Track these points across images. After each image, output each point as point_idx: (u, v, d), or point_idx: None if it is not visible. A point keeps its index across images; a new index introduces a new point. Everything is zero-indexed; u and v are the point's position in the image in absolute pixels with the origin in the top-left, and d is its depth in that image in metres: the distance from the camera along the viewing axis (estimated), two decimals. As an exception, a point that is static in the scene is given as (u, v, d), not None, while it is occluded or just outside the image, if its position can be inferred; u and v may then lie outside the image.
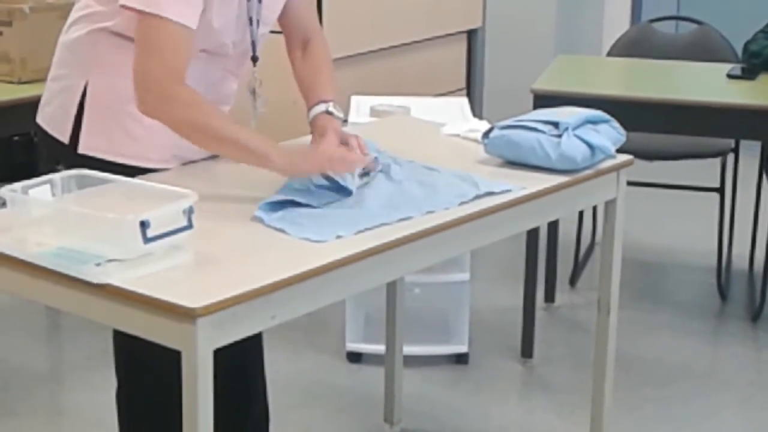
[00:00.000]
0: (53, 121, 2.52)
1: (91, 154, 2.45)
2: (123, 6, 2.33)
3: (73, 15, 2.53)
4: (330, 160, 2.37)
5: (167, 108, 2.32)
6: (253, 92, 2.64)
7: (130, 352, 2.57)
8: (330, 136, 2.48)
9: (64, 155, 2.51)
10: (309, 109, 2.60)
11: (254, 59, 2.58)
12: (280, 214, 2.25)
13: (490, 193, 2.44)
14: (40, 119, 2.56)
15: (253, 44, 2.55)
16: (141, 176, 2.36)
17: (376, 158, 2.51)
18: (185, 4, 2.31)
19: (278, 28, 2.72)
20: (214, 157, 2.56)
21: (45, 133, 2.55)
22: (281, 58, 2.71)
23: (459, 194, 2.41)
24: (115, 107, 2.43)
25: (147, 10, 2.29)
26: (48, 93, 2.55)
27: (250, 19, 2.51)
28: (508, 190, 2.46)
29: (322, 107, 2.58)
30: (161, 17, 2.28)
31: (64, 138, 2.49)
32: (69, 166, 2.38)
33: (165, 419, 2.53)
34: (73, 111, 2.46)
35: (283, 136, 2.79)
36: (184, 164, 2.54)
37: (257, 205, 2.28)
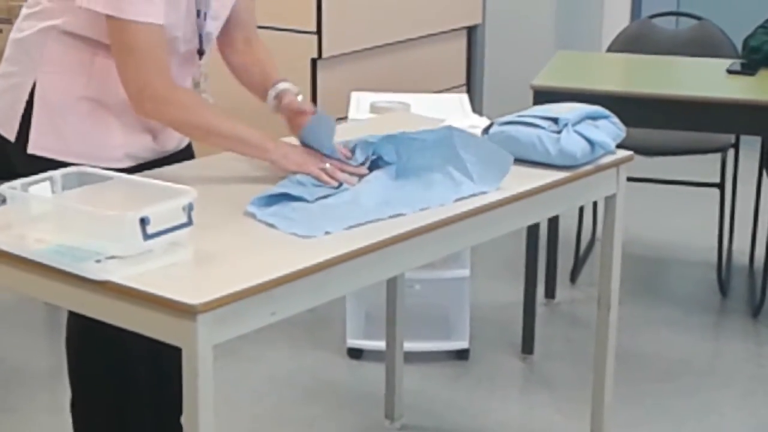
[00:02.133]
0: (0, 118, 2.50)
1: (40, 154, 2.43)
2: (82, 7, 2.32)
3: (24, 11, 2.51)
4: (321, 167, 2.39)
5: (165, 110, 2.36)
6: (197, 86, 2.58)
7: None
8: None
9: (14, 154, 2.48)
10: (272, 85, 2.60)
11: (200, 52, 2.55)
12: (272, 209, 2.25)
13: (484, 192, 2.43)
14: None
15: (200, 37, 2.52)
16: (141, 173, 2.37)
17: (367, 158, 2.49)
18: (151, 3, 2.30)
19: (272, 24, 2.70)
20: (172, 158, 2.56)
21: None
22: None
23: (455, 190, 2.40)
24: (64, 106, 2.42)
25: (119, 15, 2.29)
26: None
27: (198, 12, 2.48)
28: (498, 189, 2.45)
29: (289, 85, 2.59)
30: (134, 21, 2.28)
31: (11, 136, 2.48)
32: (19, 166, 2.40)
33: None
34: (21, 109, 2.45)
35: (283, 132, 2.79)
36: (144, 164, 2.51)
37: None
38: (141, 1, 2.28)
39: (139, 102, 2.35)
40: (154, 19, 2.30)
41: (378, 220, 2.25)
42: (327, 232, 2.17)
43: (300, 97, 2.61)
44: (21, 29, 2.49)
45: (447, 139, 2.47)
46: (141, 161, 2.51)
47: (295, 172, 2.40)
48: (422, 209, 2.32)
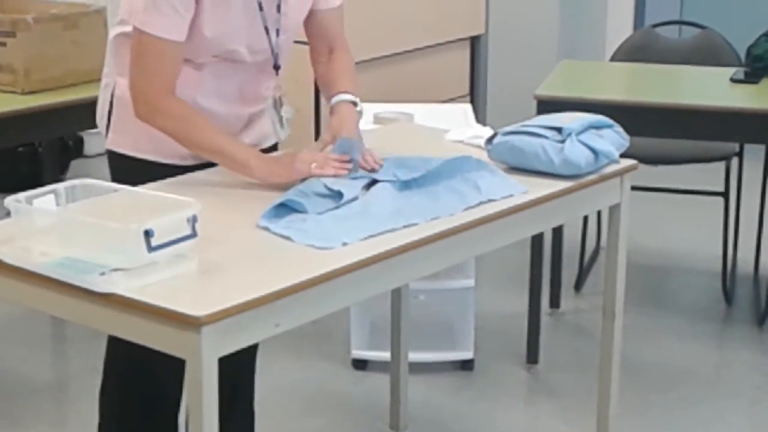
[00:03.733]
0: (98, 115, 2.68)
1: (115, 149, 2.62)
2: None
3: (119, 14, 2.62)
4: (308, 166, 2.42)
5: (154, 119, 2.47)
6: (275, 102, 2.67)
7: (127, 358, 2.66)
8: (327, 134, 2.56)
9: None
10: (329, 99, 2.65)
11: (276, 68, 2.63)
12: (285, 221, 2.25)
13: (492, 200, 2.44)
14: (97, 112, 2.69)
15: (274, 53, 2.59)
16: (145, 186, 2.38)
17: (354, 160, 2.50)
18: (169, 18, 2.41)
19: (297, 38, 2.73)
20: None
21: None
22: (286, 66, 2.71)
23: (462, 201, 2.41)
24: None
25: (137, 26, 2.44)
26: (101, 87, 2.68)
27: (266, 29, 2.55)
28: (510, 195, 2.46)
29: (346, 96, 2.63)
30: (148, 33, 2.42)
31: (104, 131, 2.66)
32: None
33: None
34: (107, 108, 2.62)
35: (286, 144, 2.80)
36: (209, 163, 2.58)
37: (262, 212, 2.28)
38: (157, 17, 2.40)
39: (135, 105, 2.48)
40: (170, 35, 2.41)
41: (393, 230, 2.25)
42: (344, 243, 2.17)
43: (359, 108, 2.65)
44: (112, 31, 2.64)
45: (456, 162, 2.49)
46: (205, 160, 2.57)
47: (288, 184, 2.42)
48: (433, 218, 2.32)
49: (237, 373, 2.75)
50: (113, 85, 2.60)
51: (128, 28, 2.52)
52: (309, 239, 2.18)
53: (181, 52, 2.45)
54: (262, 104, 2.67)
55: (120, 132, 2.60)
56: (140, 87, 2.45)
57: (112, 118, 2.61)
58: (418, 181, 2.44)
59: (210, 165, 2.58)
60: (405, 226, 2.27)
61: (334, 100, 2.64)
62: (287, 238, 2.19)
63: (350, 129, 2.57)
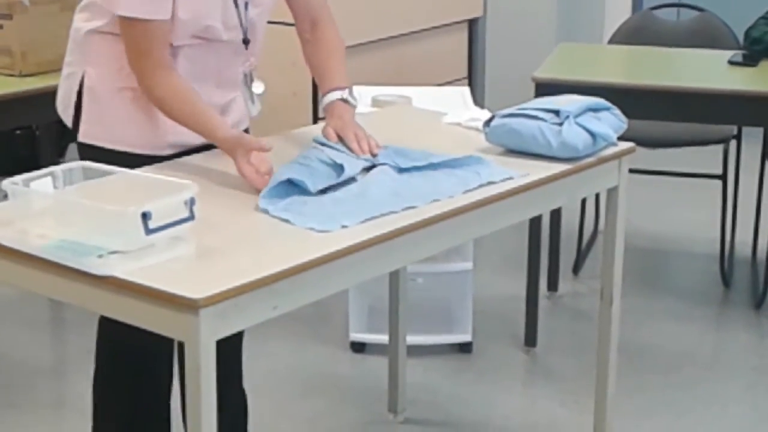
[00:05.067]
0: (62, 105, 2.64)
1: (89, 142, 2.56)
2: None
3: (80, 3, 2.60)
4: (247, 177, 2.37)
5: (151, 96, 2.46)
6: (245, 77, 2.65)
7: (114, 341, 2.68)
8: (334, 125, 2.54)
9: (73, 139, 2.61)
10: (323, 95, 2.62)
11: (245, 42, 2.59)
12: (284, 203, 2.25)
13: (492, 183, 2.44)
14: (57, 101, 2.67)
15: (243, 27, 2.56)
16: (143, 168, 2.38)
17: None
18: (149, 0, 2.39)
19: (282, 20, 2.71)
20: (212, 146, 2.58)
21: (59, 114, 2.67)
22: (281, 50, 2.70)
23: (462, 183, 2.40)
24: (108, 97, 2.53)
25: (122, 13, 2.42)
26: (61, 76, 2.65)
27: (236, 2, 2.52)
28: (509, 178, 2.46)
29: (337, 94, 2.60)
30: (129, 17, 2.41)
31: (69, 122, 2.61)
32: (78, 151, 2.56)
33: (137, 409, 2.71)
34: (74, 98, 2.57)
35: (284, 127, 2.79)
36: (186, 151, 2.56)
37: (259, 196, 2.28)
38: (138, 0, 2.39)
39: (139, 85, 2.47)
40: (150, 15, 2.40)
41: (392, 212, 2.25)
42: (344, 226, 2.17)
43: (354, 102, 2.61)
44: (75, 22, 2.60)
45: (458, 158, 2.50)
46: (185, 149, 2.57)
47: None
48: (433, 201, 2.32)
49: (228, 353, 2.75)
50: (81, 74, 2.56)
51: (99, 23, 2.51)
52: (308, 222, 2.17)
53: (167, 30, 2.44)
54: (238, 90, 2.65)
55: (93, 123, 2.55)
56: (136, 68, 2.45)
57: (83, 110, 2.56)
58: (417, 166, 2.44)
59: (187, 155, 2.56)
60: (404, 209, 2.27)
61: (328, 99, 2.61)
62: (286, 221, 2.19)
63: (350, 129, 2.54)
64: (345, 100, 2.60)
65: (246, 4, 2.55)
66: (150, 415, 2.78)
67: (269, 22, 2.70)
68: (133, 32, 2.42)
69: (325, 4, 2.73)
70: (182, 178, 2.15)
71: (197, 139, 2.54)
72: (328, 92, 2.62)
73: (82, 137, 2.57)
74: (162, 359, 2.71)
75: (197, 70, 2.52)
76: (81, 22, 2.57)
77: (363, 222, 2.20)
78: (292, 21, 2.69)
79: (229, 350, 2.84)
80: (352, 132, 2.52)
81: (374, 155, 2.46)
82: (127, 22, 2.42)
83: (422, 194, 2.33)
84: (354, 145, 2.48)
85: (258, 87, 2.66)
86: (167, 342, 2.62)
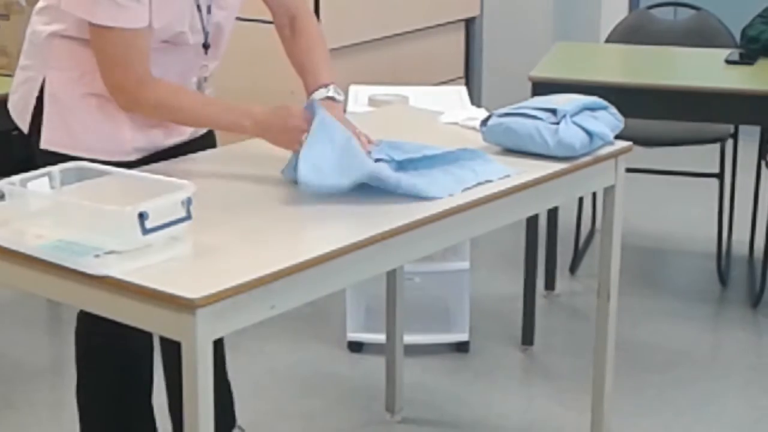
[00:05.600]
0: (16, 110, 2.57)
1: (52, 149, 2.48)
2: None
3: (37, 5, 2.53)
4: (299, 136, 2.37)
5: (139, 109, 2.42)
6: (199, 81, 2.60)
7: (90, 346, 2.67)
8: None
9: (34, 147, 2.53)
10: (309, 94, 2.57)
11: (205, 47, 2.55)
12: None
13: (489, 181, 2.44)
14: (10, 105, 2.60)
15: (204, 31, 2.52)
16: (139, 168, 2.37)
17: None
18: (130, 9, 2.33)
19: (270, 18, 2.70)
20: (189, 145, 2.57)
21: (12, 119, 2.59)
22: (279, 49, 2.69)
23: (459, 182, 2.40)
24: (72, 103, 2.47)
25: (92, 20, 2.34)
26: (16, 80, 2.58)
27: (198, 6, 2.48)
28: (507, 176, 2.47)
29: (322, 92, 2.55)
30: (111, 28, 2.33)
31: (24, 127, 2.55)
32: (37, 158, 2.47)
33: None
34: (32, 103, 2.50)
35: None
36: (154, 154, 2.53)
37: (257, 195, 2.28)
38: (112, 7, 2.32)
39: (116, 99, 2.42)
40: (123, 23, 2.34)
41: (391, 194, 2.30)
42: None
43: (340, 97, 2.57)
44: (33, 24, 2.53)
45: (453, 152, 2.50)
46: (151, 152, 2.53)
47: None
48: (433, 198, 2.32)
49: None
50: (41, 80, 2.48)
51: (60, 26, 2.44)
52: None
53: (148, 36, 2.38)
54: (204, 91, 2.61)
55: (55, 130, 2.48)
56: (115, 81, 2.38)
57: (45, 116, 2.48)
58: (413, 162, 2.44)
59: (157, 155, 2.52)
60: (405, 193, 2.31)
61: (314, 97, 2.54)
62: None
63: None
64: (331, 98, 2.55)
65: (209, 8, 2.50)
66: (136, 414, 2.76)
67: (265, 21, 2.69)
68: (109, 43, 2.35)
69: (299, 1, 2.68)
70: (178, 177, 2.14)
71: (165, 140, 2.53)
72: (314, 91, 2.56)
73: (45, 144, 2.49)
74: (143, 356, 2.69)
75: (159, 71, 2.43)
76: (40, 25, 2.49)
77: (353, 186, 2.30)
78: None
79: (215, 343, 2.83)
80: None
81: (368, 152, 2.46)
82: (102, 32, 2.35)
83: (420, 192, 2.33)
84: None
85: (209, 93, 2.63)
86: (147, 339, 2.62)
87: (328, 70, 2.60)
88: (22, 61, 2.57)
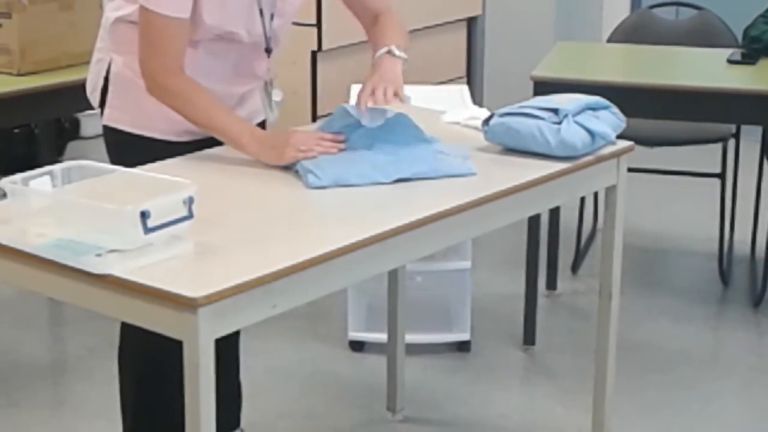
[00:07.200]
0: (90, 87, 2.73)
1: (112, 125, 2.66)
2: None
3: None
4: (296, 152, 2.49)
5: (161, 96, 2.53)
6: (266, 84, 2.72)
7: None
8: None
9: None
10: (373, 54, 2.72)
11: (268, 51, 2.66)
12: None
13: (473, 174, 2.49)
14: (87, 83, 2.75)
15: (266, 36, 2.62)
16: (143, 167, 2.38)
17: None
18: None
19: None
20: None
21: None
22: (282, 49, 2.71)
23: (438, 163, 2.49)
24: (131, 83, 2.59)
25: (143, 4, 2.48)
26: (91, 61, 2.73)
27: (261, 11, 2.59)
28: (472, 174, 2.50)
29: (384, 49, 2.69)
30: (154, 12, 2.46)
31: (95, 104, 2.71)
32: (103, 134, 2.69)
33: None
34: (101, 84, 2.66)
35: (284, 125, 2.80)
36: (203, 139, 2.62)
37: (258, 195, 2.29)
38: None
39: (145, 82, 2.53)
40: (170, 12, 2.46)
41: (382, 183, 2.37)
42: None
43: (398, 53, 2.69)
44: (106, 11, 2.69)
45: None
46: (202, 136, 2.61)
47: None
48: (416, 173, 2.41)
49: (225, 345, 2.76)
50: (108, 61, 2.64)
51: (126, 12, 2.57)
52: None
53: (187, 29, 2.50)
54: (255, 82, 2.71)
55: (117, 108, 2.64)
56: (148, 65, 2.51)
57: (109, 95, 2.64)
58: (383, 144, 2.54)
59: (204, 142, 2.61)
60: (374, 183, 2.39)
61: (376, 55, 2.70)
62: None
63: (386, 77, 2.63)
64: (390, 52, 2.68)
65: (272, 15, 2.61)
66: (178, 408, 2.77)
67: None
68: (150, 27, 2.48)
69: (385, 2, 2.83)
70: (180, 176, 2.15)
71: None
72: (378, 51, 2.71)
73: (106, 120, 2.66)
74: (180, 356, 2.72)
75: (218, 61, 2.59)
76: (110, 11, 2.66)
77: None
78: (293, 21, 2.71)
79: (226, 342, 2.84)
80: (371, 86, 2.60)
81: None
82: (148, 15, 2.47)
83: (386, 172, 2.43)
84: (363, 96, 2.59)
85: (277, 95, 2.73)
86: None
87: (395, 35, 2.75)
88: (97, 44, 2.71)
